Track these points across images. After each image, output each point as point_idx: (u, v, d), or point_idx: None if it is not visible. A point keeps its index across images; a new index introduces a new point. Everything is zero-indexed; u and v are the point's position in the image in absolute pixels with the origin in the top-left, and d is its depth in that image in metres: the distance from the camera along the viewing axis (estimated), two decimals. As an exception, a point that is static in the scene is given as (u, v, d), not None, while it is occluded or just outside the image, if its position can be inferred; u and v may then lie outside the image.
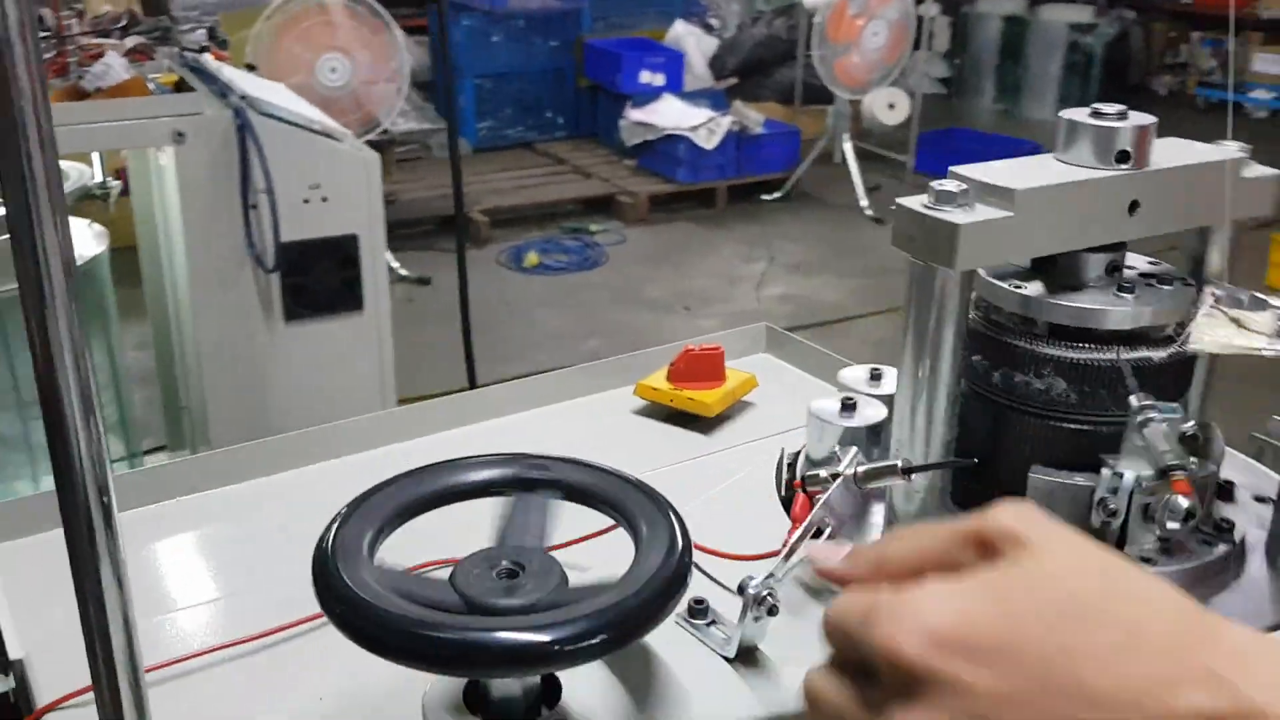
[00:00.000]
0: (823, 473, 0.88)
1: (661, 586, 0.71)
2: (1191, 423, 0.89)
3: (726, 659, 0.83)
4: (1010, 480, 0.94)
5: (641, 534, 0.76)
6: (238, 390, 3.03)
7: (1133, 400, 0.88)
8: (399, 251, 5.32)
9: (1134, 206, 0.93)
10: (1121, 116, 0.93)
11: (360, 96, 5.01)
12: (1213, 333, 0.94)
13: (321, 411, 2.50)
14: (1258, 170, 0.99)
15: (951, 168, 0.90)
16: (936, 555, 0.56)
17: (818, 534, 0.84)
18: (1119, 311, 0.92)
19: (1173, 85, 8.68)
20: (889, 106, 6.45)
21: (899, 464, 0.86)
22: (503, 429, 1.44)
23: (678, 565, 0.73)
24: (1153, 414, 0.87)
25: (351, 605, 0.67)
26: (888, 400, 1.02)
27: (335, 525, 0.74)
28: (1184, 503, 0.83)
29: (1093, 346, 0.92)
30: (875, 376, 1.08)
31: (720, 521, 1.00)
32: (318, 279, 3.02)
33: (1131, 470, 0.87)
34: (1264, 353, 0.93)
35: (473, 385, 2.76)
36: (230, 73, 3.15)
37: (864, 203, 6.07)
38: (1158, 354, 0.94)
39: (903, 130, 6.61)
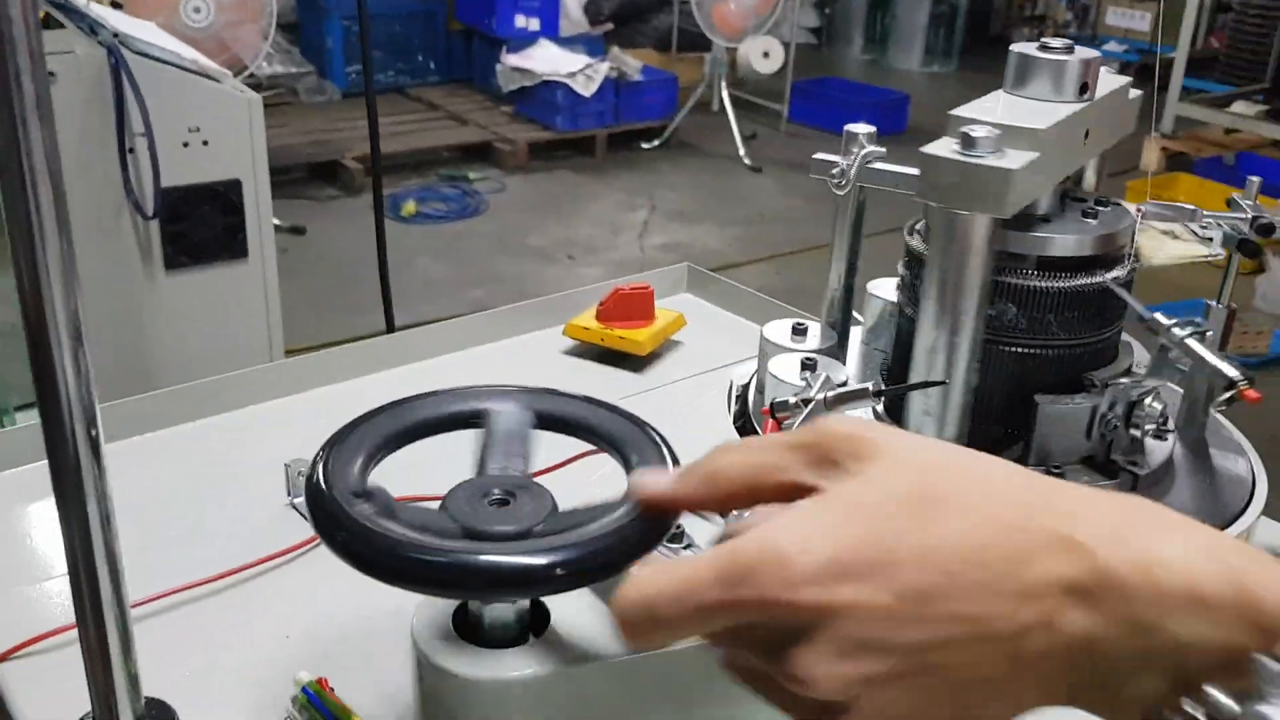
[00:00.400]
0: (792, 399, 0.89)
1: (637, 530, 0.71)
2: (1211, 330, 0.93)
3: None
4: (1016, 412, 0.97)
5: (631, 460, 0.76)
6: (116, 343, 2.91)
7: (1159, 318, 0.91)
8: (272, 200, 5.16)
9: (1086, 135, 0.95)
10: (1069, 50, 0.96)
11: (224, 38, 4.82)
12: (1161, 247, 0.97)
13: (205, 365, 2.43)
14: (1134, 93, 1.08)
15: (952, 112, 0.90)
16: (770, 469, 0.54)
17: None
18: (1097, 237, 0.95)
19: (1030, 37, 8.87)
20: (764, 55, 6.49)
21: (870, 387, 0.87)
22: (427, 371, 1.42)
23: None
24: (1189, 328, 0.91)
25: (355, 533, 0.65)
26: (819, 353, 1.04)
27: (325, 456, 0.72)
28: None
29: (1083, 273, 0.95)
30: (799, 331, 1.08)
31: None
32: (199, 226, 2.91)
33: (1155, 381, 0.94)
34: (1210, 259, 0.97)
35: (390, 330, 2.70)
36: (98, 9, 3.00)
37: (741, 151, 6.11)
38: (1123, 273, 0.97)
39: (776, 79, 6.66)
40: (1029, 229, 0.94)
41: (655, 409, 1.21)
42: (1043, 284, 0.94)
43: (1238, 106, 5.72)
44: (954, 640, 0.49)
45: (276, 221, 5.08)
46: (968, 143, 0.85)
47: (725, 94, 6.25)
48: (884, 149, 0.98)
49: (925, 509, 0.50)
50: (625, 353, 1.42)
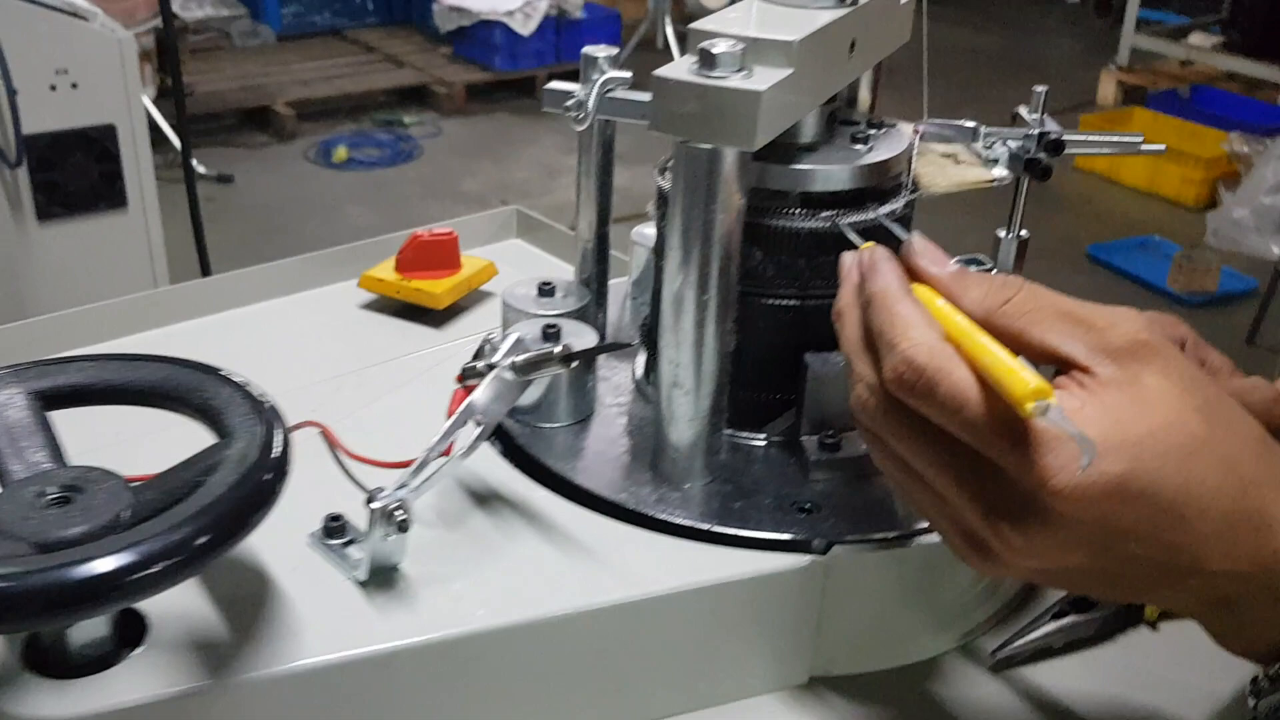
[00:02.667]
0: (480, 364, 0.75)
1: (236, 501, 0.57)
2: (994, 268, 0.78)
3: (359, 582, 0.70)
4: (786, 374, 0.85)
5: (212, 418, 0.62)
6: (-8, 296, 2.76)
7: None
8: (198, 148, 4.99)
9: (853, 46, 0.80)
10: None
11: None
12: (941, 172, 0.83)
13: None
14: (906, -1, 0.92)
15: (691, 26, 0.75)
16: (1044, 331, 0.61)
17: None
18: (866, 166, 0.81)
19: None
20: (712, -10, 6.28)
21: (555, 350, 0.73)
22: (205, 329, 1.27)
23: (254, 473, 0.59)
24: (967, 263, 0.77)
25: None
26: (567, 317, 0.90)
27: None
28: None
29: (854, 209, 0.81)
30: (546, 291, 0.94)
31: (408, 424, 0.87)
32: (72, 174, 2.75)
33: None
34: (994, 184, 0.83)
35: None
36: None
37: (688, 90, 5.91)
38: (898, 204, 0.83)
39: (727, 15, 6.44)
40: (788, 161, 0.80)
41: (432, 369, 1.08)
42: (806, 225, 0.80)
43: (1194, 38, 5.55)
44: (1144, 559, 0.58)
45: (202, 170, 4.93)
46: (707, 61, 0.70)
47: (670, 31, 6.04)
48: (629, 74, 0.83)
49: (1191, 449, 0.56)
50: (423, 306, 1.27)
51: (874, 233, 0.81)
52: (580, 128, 0.85)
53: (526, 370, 0.73)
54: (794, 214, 0.80)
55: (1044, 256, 4.01)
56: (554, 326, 0.86)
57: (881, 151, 0.82)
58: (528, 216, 1.49)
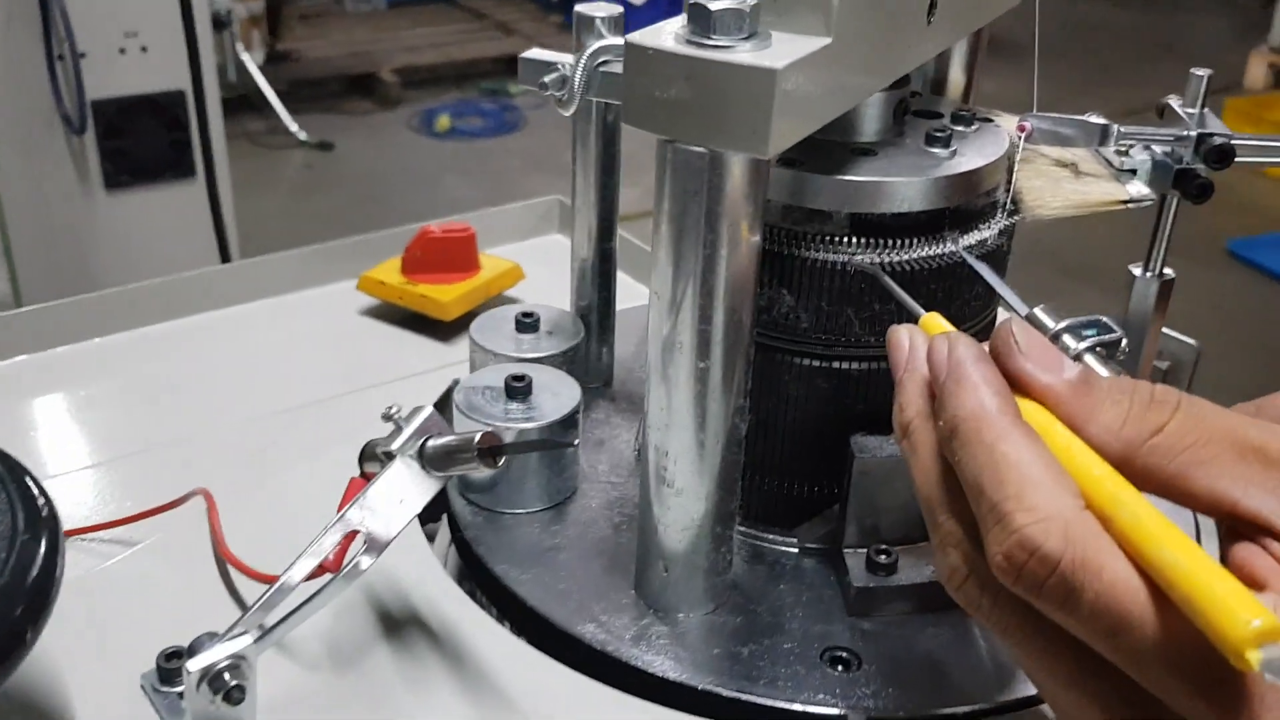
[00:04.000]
0: (381, 448, 0.53)
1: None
2: (1124, 340, 0.54)
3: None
4: (820, 461, 0.62)
5: None
6: (55, 265, 2.65)
7: (1042, 318, 0.52)
8: (298, 114, 4.91)
9: (932, 7, 0.56)
10: None
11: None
12: (1051, 188, 0.59)
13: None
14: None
15: None
16: (1219, 477, 0.39)
17: (330, 567, 0.50)
18: (943, 180, 0.57)
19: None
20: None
21: (475, 438, 0.51)
22: (187, 331, 1.08)
23: None
24: (1090, 333, 0.52)
25: None
26: (550, 361, 0.68)
27: None
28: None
29: (924, 239, 0.57)
30: (525, 326, 0.72)
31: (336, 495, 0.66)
32: (140, 142, 2.62)
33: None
34: (1130, 205, 0.59)
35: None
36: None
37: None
38: (990, 233, 0.59)
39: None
40: (834, 169, 0.56)
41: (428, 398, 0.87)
42: (857, 258, 0.57)
43: (1365, 14, 5.06)
44: None
45: (303, 136, 4.83)
46: (700, 22, 0.47)
47: None
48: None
49: None
50: (429, 317, 1.07)
51: (949, 271, 0.58)
52: (566, 111, 0.64)
53: (437, 464, 0.52)
54: (840, 243, 0.57)
55: (1176, 253, 3.64)
56: (521, 378, 0.65)
57: (970, 157, 0.58)
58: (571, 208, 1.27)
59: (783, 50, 0.46)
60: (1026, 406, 0.42)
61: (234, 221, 2.85)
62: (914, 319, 0.51)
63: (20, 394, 0.92)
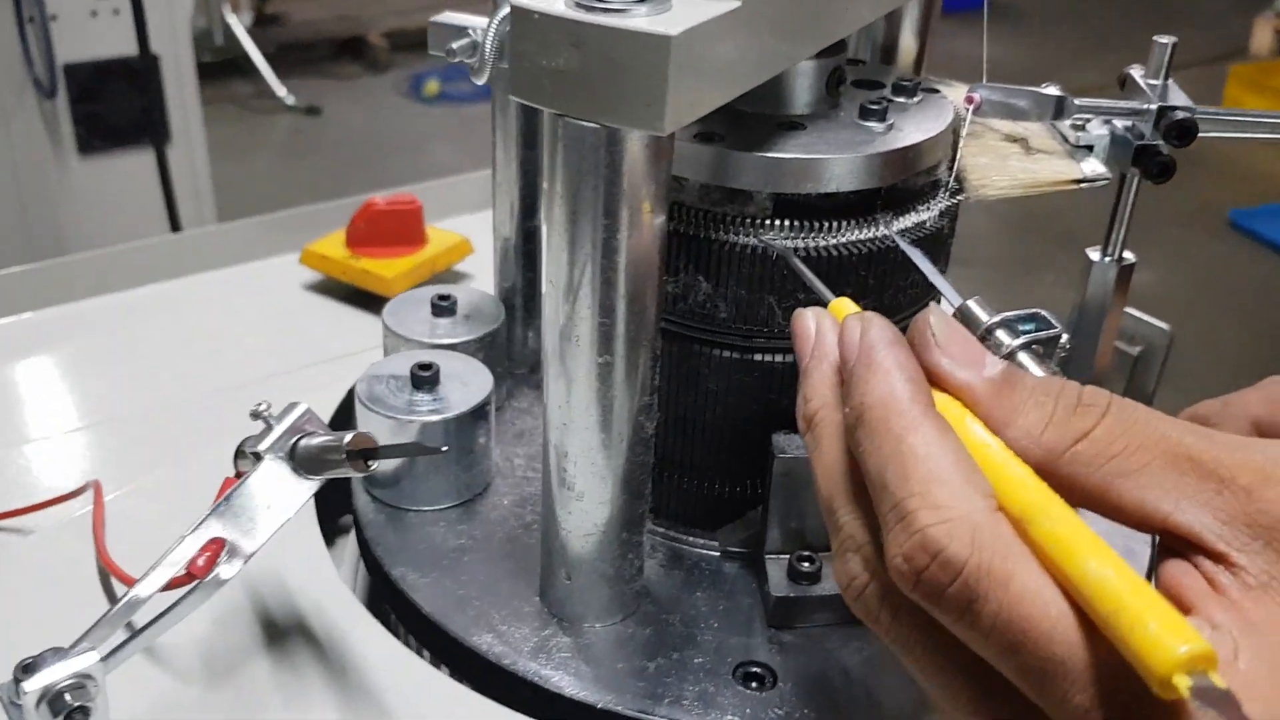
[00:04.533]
0: (250, 448, 0.49)
1: None
2: (1066, 337, 0.49)
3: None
4: (740, 461, 0.57)
5: None
6: (27, 229, 2.61)
7: (977, 311, 0.47)
8: (287, 78, 4.85)
9: (862, -30, 0.52)
10: None
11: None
12: (998, 165, 0.54)
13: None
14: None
15: None
16: (1148, 488, 0.35)
17: (190, 578, 0.46)
18: (874, 157, 0.52)
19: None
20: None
21: (345, 439, 0.46)
22: (122, 307, 1.04)
23: None
24: (1026, 328, 0.47)
25: None
26: (465, 347, 0.64)
27: None
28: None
29: (854, 221, 0.53)
30: (442, 310, 0.68)
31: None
32: (113, 106, 2.57)
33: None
34: (1081, 183, 0.55)
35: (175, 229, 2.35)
36: None
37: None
38: (929, 214, 0.55)
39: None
40: (755, 144, 0.52)
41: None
42: (780, 243, 0.52)
43: (1373, -17, 4.99)
44: None
45: (291, 101, 4.76)
46: (603, -18, 0.42)
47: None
48: None
49: None
50: (372, 293, 1.02)
51: (881, 257, 0.53)
52: (479, 80, 0.59)
53: (309, 466, 0.47)
54: (762, 226, 0.52)
55: (1179, 223, 3.59)
56: (428, 366, 0.60)
57: (907, 132, 0.53)
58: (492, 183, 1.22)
59: (682, 15, 0.42)
60: (944, 402, 0.38)
61: (209, 187, 2.81)
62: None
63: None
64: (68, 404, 0.83)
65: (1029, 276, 3.18)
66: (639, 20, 0.41)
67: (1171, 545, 0.35)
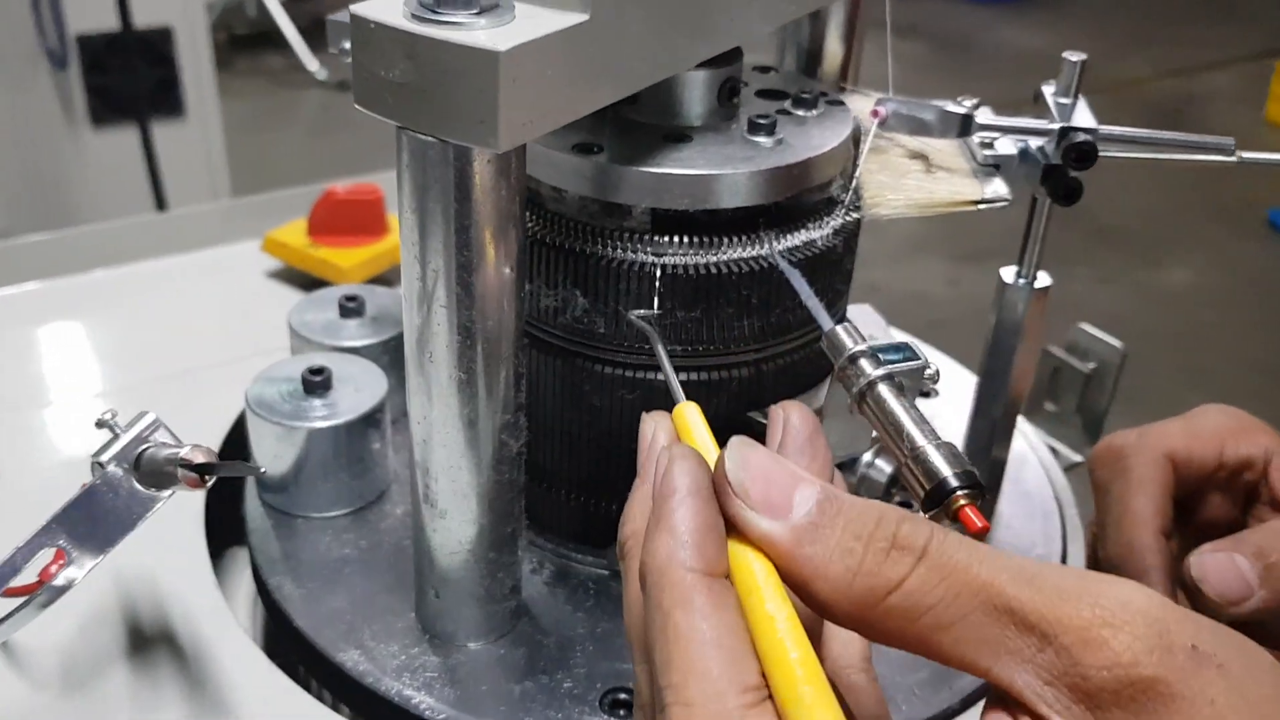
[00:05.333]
0: (95, 455, 0.48)
1: None
2: (934, 368, 0.47)
3: None
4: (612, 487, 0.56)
5: None
6: (40, 202, 2.62)
7: (843, 338, 0.46)
8: (320, 52, 4.85)
9: (748, -23, 0.50)
10: None
11: None
12: (897, 182, 0.52)
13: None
14: None
15: None
16: (966, 644, 0.32)
17: (38, 585, 0.45)
18: (758, 173, 0.50)
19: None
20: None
21: (181, 453, 0.45)
22: (81, 289, 1.03)
23: None
24: (883, 363, 0.45)
25: None
26: (368, 350, 0.62)
27: None
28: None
29: (737, 238, 0.51)
30: (349, 310, 0.66)
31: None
32: (127, 79, 2.57)
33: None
34: (980, 205, 0.52)
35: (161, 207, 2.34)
36: None
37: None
38: (820, 233, 0.53)
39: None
40: (635, 158, 0.50)
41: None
42: (658, 260, 0.50)
43: None
44: None
45: (323, 76, 4.77)
46: (439, -7, 0.41)
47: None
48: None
49: None
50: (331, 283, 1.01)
51: (762, 277, 0.51)
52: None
53: (152, 478, 0.46)
54: (642, 241, 0.50)
55: (1218, 219, 3.52)
56: (320, 371, 0.59)
57: (796, 148, 0.51)
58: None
59: (521, 28, 0.40)
60: (743, 557, 0.35)
61: (224, 162, 2.81)
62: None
63: None
64: (17, 383, 0.83)
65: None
66: (474, 34, 0.39)
67: (997, 693, 0.33)
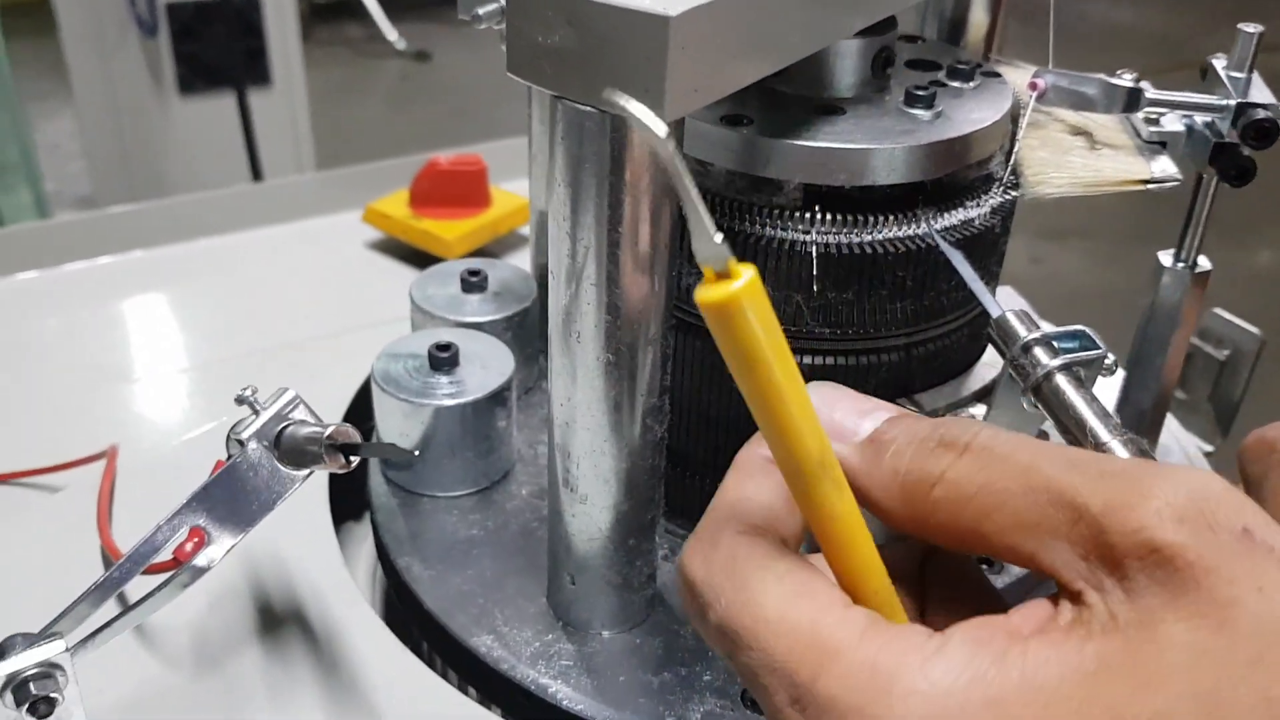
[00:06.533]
0: (235, 434, 0.47)
1: None
2: (1112, 358, 0.44)
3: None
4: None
5: None
6: (128, 167, 2.65)
7: (1015, 325, 0.43)
8: (399, 22, 4.85)
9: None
10: None
11: None
12: (1060, 160, 0.50)
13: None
14: None
15: None
16: (1010, 528, 0.30)
17: (175, 563, 0.44)
18: (916, 148, 0.47)
19: None
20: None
21: (326, 432, 0.44)
22: (182, 258, 1.03)
23: None
24: (1059, 352, 0.42)
25: None
26: (492, 326, 0.61)
27: None
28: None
29: (892, 217, 0.48)
30: (471, 285, 0.65)
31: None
32: (215, 47, 2.59)
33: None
34: (1149, 185, 0.50)
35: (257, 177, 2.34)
36: None
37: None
38: (978, 212, 0.50)
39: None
40: (787, 131, 0.48)
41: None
42: (805, 235, 0.48)
43: None
44: None
45: (401, 46, 4.77)
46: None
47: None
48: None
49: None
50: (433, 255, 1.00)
51: (919, 257, 0.49)
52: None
53: (292, 457, 0.45)
54: (791, 219, 0.48)
55: (1276, 223, 3.40)
56: (447, 347, 0.58)
57: (956, 121, 0.49)
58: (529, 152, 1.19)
59: (683, -5, 0.38)
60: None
61: (309, 132, 2.82)
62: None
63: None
64: (126, 355, 0.82)
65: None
66: (634, -3, 0.37)
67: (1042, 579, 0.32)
